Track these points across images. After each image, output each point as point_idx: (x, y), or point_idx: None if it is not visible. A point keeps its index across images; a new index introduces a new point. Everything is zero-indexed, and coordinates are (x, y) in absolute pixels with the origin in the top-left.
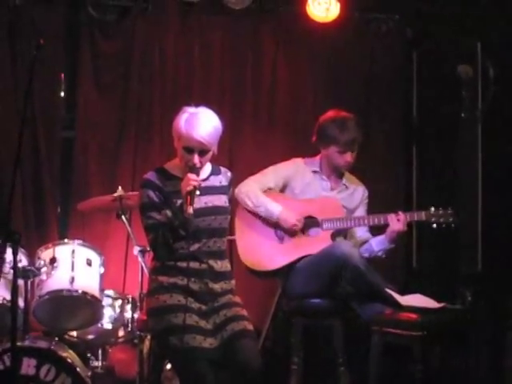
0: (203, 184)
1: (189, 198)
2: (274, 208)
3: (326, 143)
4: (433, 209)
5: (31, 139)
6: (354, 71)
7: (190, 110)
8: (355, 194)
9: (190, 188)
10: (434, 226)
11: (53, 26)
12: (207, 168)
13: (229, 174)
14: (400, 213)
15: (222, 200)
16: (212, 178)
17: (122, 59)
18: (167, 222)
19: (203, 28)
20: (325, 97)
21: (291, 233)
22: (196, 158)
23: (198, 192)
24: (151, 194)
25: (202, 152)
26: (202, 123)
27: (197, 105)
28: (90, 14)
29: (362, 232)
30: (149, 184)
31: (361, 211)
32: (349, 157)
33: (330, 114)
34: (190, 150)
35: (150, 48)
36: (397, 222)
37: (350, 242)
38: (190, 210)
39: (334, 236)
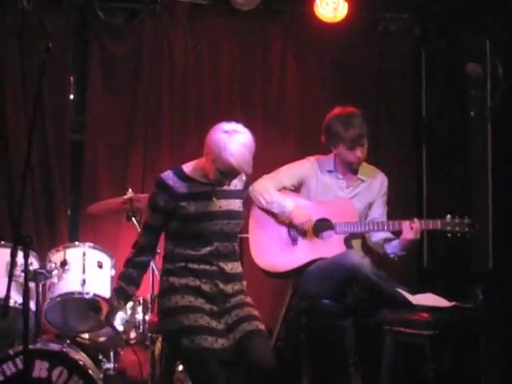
0: (218, 188)
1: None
2: (287, 204)
3: (334, 142)
4: (449, 217)
5: (41, 142)
6: (363, 71)
7: (227, 127)
8: (372, 185)
9: None
10: (449, 235)
11: (62, 30)
12: None
13: (244, 178)
14: (415, 220)
15: (236, 205)
16: None
17: (130, 61)
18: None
19: (212, 29)
20: (334, 97)
21: (302, 232)
22: (230, 181)
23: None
24: (160, 196)
25: (236, 175)
26: (242, 152)
27: (231, 121)
28: (98, 17)
29: (377, 235)
30: (161, 185)
31: (378, 204)
32: (358, 152)
33: (336, 110)
34: (225, 175)
35: (158, 50)
36: (410, 231)
37: (360, 252)
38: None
39: (347, 240)
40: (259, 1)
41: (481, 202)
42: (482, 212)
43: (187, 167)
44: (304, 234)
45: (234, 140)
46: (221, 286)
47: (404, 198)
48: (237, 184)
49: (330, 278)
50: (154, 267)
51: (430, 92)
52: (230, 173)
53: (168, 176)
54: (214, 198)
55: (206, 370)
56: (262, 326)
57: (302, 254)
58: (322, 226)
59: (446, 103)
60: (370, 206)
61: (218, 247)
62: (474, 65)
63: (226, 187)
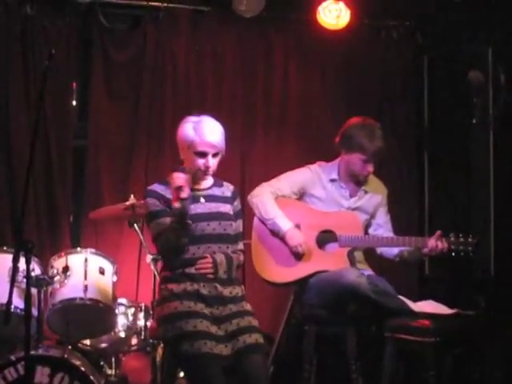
0: (207, 192)
1: (175, 192)
2: (282, 224)
3: (351, 149)
4: (453, 235)
5: (43, 148)
6: (365, 78)
7: (193, 118)
8: (374, 197)
9: (176, 185)
10: (453, 254)
11: (65, 36)
12: (209, 179)
13: (231, 187)
14: (420, 239)
15: (226, 208)
16: (214, 188)
17: (133, 68)
18: (168, 227)
19: (214, 36)
20: (336, 104)
21: (295, 254)
22: (210, 161)
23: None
24: (156, 202)
25: (215, 155)
26: (211, 128)
27: (196, 114)
28: (101, 23)
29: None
30: (151, 193)
31: (381, 213)
32: (371, 167)
33: (359, 120)
34: (203, 155)
35: (161, 56)
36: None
37: (356, 270)
38: (177, 204)
39: (350, 253)
40: (261, 8)
41: (483, 208)
42: (484, 218)
43: None
44: (296, 255)
45: (203, 123)
46: (219, 288)
47: (405, 203)
48: (224, 191)
49: (327, 294)
50: (156, 273)
51: (432, 99)
52: (208, 150)
53: (155, 186)
54: (202, 200)
55: (206, 374)
56: (261, 339)
57: (304, 265)
58: (325, 238)
59: (448, 110)
60: (372, 215)
61: (212, 248)
62: (476, 72)
63: (212, 192)
